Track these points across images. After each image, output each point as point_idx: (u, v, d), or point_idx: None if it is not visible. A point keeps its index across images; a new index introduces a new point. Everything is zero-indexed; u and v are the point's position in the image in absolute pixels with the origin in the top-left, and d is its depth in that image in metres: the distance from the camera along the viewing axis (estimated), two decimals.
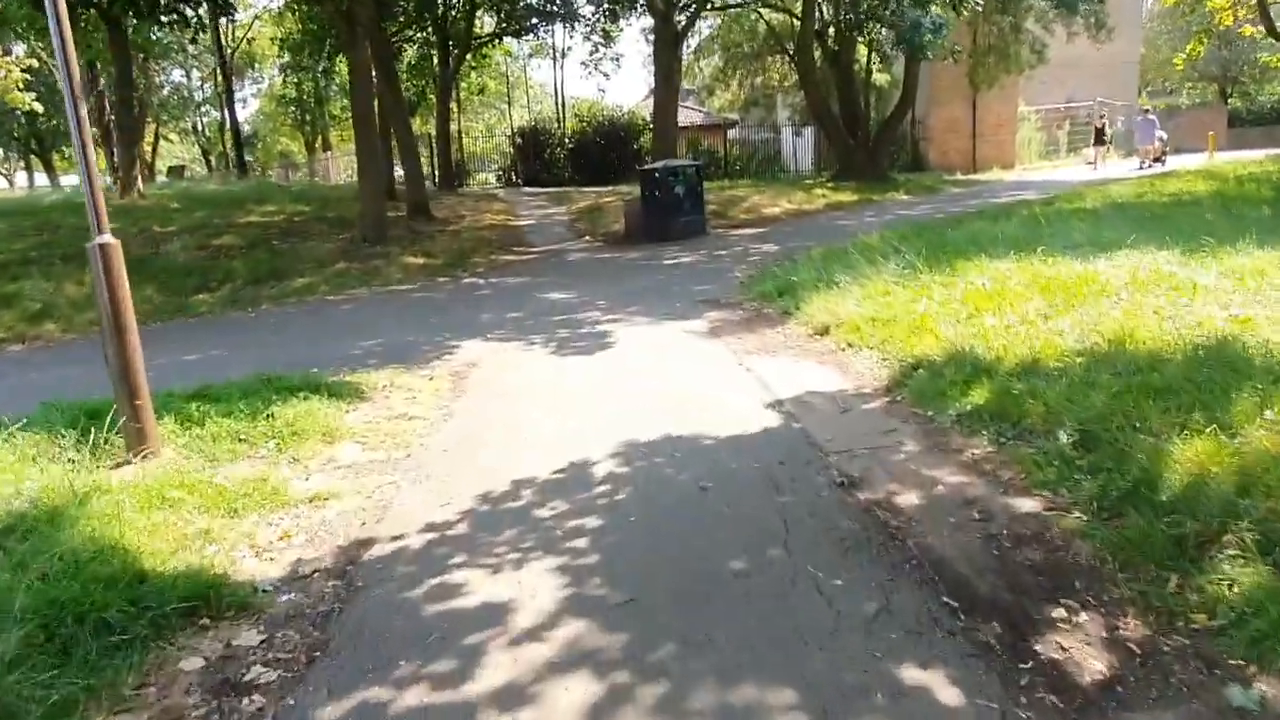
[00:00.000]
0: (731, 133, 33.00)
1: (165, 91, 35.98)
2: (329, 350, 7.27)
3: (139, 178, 19.52)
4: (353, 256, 12.45)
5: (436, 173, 25.91)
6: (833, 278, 8.31)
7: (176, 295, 9.98)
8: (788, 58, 30.38)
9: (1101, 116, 26.20)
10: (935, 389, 4.81)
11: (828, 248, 11.18)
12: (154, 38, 20.42)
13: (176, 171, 44.02)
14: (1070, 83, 32.57)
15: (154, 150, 44.80)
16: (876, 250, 9.86)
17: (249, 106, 59.15)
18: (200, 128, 48.00)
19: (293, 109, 36.78)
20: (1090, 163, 26.08)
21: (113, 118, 20.11)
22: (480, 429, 4.98)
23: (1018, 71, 26.20)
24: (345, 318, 8.97)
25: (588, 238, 15.19)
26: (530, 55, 33.96)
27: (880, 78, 28.89)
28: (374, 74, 16.13)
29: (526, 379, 6.04)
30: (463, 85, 34.19)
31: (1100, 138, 25.13)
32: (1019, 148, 32.04)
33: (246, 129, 58.96)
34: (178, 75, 45.14)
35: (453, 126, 33.90)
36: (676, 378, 5.78)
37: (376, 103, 17.41)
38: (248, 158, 56.42)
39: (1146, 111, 25.26)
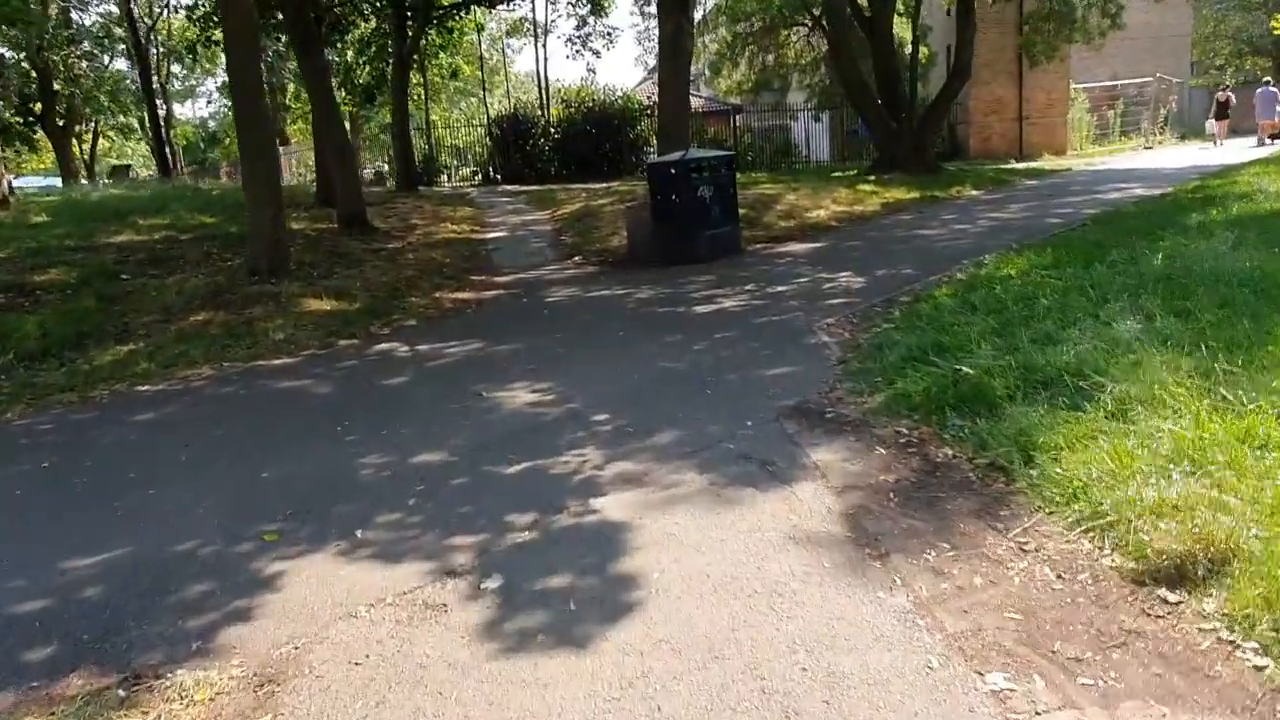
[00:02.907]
0: (738, 119, 28.91)
1: (93, 83, 31.48)
2: None
3: (8, 182, 15.32)
4: (227, 300, 8.34)
5: (394, 169, 21.80)
6: (1053, 366, 4.27)
7: None
8: (807, 29, 26.26)
9: (1225, 88, 22.51)
10: None
11: (955, 283, 7.15)
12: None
13: (121, 172, 39.67)
14: (1114, 58, 28.56)
15: (93, 149, 40.47)
16: (1054, 291, 5.87)
17: (214, 101, 54.84)
18: (148, 124, 43.53)
19: None
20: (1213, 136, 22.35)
21: None
22: None
23: (1084, 41, 22.10)
24: (119, 451, 4.82)
25: (577, 258, 11.09)
26: (508, 33, 29.68)
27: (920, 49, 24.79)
28: (286, 39, 12.04)
29: None
30: (432, 68, 30.01)
31: (1224, 112, 21.40)
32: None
33: (213, 125, 54.58)
34: (121, 65, 40.80)
35: (422, 115, 29.73)
36: None
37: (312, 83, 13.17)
38: (210, 155, 52.08)
39: (1268, 83, 21.39)
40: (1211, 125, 23.23)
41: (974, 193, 15.75)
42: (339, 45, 22.05)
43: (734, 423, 4.42)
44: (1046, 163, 23.35)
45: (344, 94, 28.55)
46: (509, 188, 22.68)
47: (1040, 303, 5.73)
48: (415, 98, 29.44)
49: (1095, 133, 29.92)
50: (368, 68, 24.96)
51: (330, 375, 6.00)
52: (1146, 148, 27.33)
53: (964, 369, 4.50)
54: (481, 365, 5.97)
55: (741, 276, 8.69)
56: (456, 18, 21.96)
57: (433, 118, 32.40)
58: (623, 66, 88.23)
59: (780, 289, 7.92)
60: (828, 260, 9.36)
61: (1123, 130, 30.02)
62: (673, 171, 9.59)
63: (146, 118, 35.86)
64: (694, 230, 9.67)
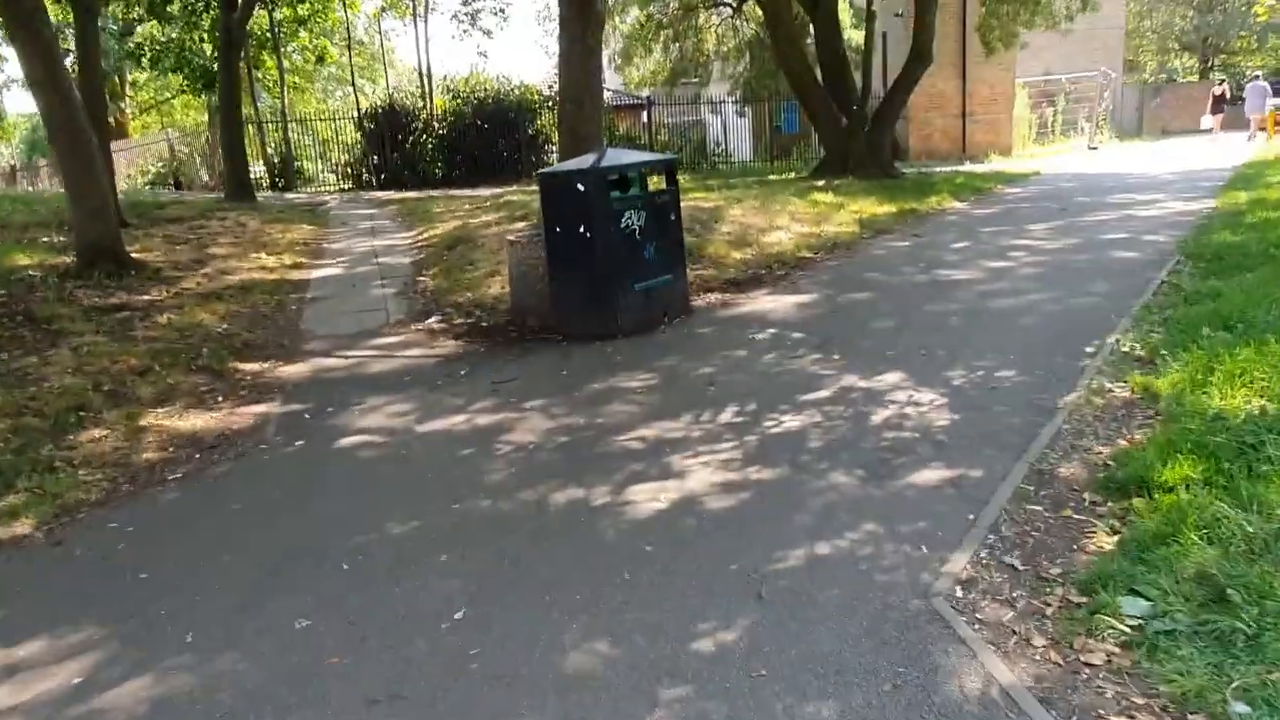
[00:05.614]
0: (651, 113, 25.21)
1: None
2: None
3: None
4: None
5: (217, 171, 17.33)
6: None
7: None
8: (731, 10, 22.80)
9: (1222, 82, 20.44)
10: None
11: (1154, 428, 3.57)
12: None
13: None
14: (1046, 51, 26.34)
15: None
16: None
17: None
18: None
19: None
20: (1209, 131, 21.87)
21: None
22: None
23: (1049, 25, 19.29)
24: None
25: (433, 321, 7.11)
26: (384, 8, 25.16)
27: (856, 35, 21.64)
28: None
29: None
30: (291, 50, 25.27)
31: (1220, 105, 19.38)
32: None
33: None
34: None
35: (280, 106, 24.91)
36: None
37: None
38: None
39: (1257, 76, 19.25)
40: (1207, 120, 21.16)
41: (958, 205, 12.51)
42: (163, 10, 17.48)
43: None
44: (1002, 164, 20.54)
45: (181, 79, 23.63)
46: (380, 195, 18.45)
47: None
48: (270, 85, 24.66)
49: (1035, 131, 27.62)
50: (209, 46, 20.31)
51: None
52: (1092, 148, 25.12)
53: None
54: None
55: (704, 379, 4.93)
56: None
57: (305, 110, 27.56)
58: (519, 55, 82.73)
59: (789, 422, 4.19)
60: (837, 336, 5.70)
61: (1063, 129, 27.84)
62: (580, 188, 5.76)
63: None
64: (617, 285, 5.87)
